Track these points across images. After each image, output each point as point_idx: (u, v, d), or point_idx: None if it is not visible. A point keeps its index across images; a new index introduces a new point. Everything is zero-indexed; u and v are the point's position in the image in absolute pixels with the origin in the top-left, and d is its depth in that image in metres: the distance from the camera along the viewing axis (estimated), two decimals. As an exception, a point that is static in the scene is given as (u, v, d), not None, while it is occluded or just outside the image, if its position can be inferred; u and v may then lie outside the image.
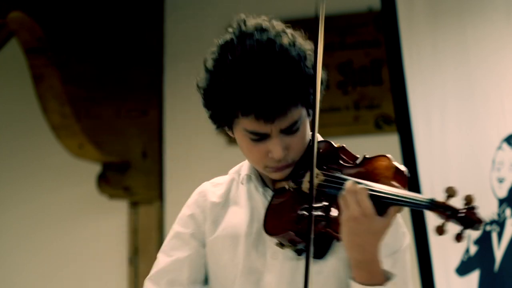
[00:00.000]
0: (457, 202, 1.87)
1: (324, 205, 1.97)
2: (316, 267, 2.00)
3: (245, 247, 2.08)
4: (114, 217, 5.11)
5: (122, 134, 4.93)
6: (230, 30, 2.05)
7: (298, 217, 1.99)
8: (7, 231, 5.27)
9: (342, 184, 1.93)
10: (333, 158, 2.04)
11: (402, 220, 2.11)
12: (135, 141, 4.99)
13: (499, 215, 3.58)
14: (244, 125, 2.01)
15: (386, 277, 1.95)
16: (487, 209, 3.58)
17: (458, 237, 1.85)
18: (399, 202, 1.89)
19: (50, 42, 4.51)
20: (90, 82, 4.77)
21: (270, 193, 2.10)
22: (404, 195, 1.89)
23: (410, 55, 3.90)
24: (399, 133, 3.93)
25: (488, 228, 3.60)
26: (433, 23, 3.84)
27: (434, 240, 3.75)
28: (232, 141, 4.66)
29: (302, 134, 2.04)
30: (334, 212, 1.95)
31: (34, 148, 5.21)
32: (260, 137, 2.02)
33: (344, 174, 1.99)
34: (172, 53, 5.10)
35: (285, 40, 2.00)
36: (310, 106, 2.00)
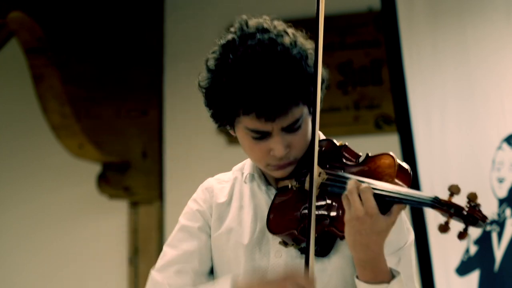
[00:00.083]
0: (460, 200, 1.87)
1: (327, 203, 1.97)
2: (320, 265, 2.01)
3: (249, 246, 2.08)
4: (114, 217, 5.11)
5: (122, 134, 4.93)
6: (232, 30, 2.06)
7: (301, 216, 1.99)
8: (7, 231, 5.27)
9: (345, 182, 1.93)
10: (336, 156, 2.04)
11: (406, 218, 2.12)
12: (135, 141, 4.99)
13: (499, 215, 3.58)
14: (246, 123, 2.02)
15: (392, 275, 1.96)
16: (487, 209, 3.56)
17: (462, 235, 1.85)
18: (402, 201, 1.89)
19: (50, 42, 4.51)
20: (90, 82, 4.77)
21: (273, 191, 2.11)
22: (407, 193, 1.89)
23: (410, 55, 3.90)
24: (399, 133, 3.93)
25: (488, 228, 3.60)
26: (433, 23, 3.84)
27: (434, 240, 3.75)
28: (232, 141, 4.67)
29: (303, 132, 2.04)
30: (337, 211, 1.95)
31: (34, 148, 5.21)
32: (261, 135, 2.02)
33: (347, 173, 1.99)
34: (172, 53, 5.10)
35: (287, 40, 2.01)
36: (312, 104, 2.01)
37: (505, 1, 3.65)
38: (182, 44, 5.02)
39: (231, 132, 2.11)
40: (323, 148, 2.05)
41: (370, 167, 1.98)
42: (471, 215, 1.85)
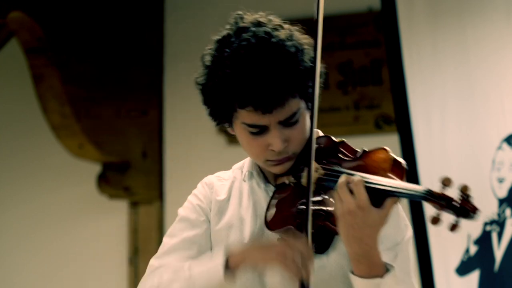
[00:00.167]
0: (453, 193, 1.88)
1: (324, 198, 1.98)
2: (319, 262, 2.01)
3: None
4: (114, 217, 5.11)
5: (122, 134, 4.93)
6: (228, 26, 2.06)
7: (297, 212, 2.00)
8: (7, 231, 5.27)
9: (340, 177, 1.94)
10: (333, 152, 2.05)
11: (404, 214, 2.12)
12: (135, 141, 4.99)
13: (499, 215, 3.58)
14: (243, 118, 2.02)
15: (386, 269, 1.96)
16: (487, 209, 3.58)
17: (453, 227, 1.87)
18: (395, 193, 1.91)
19: (50, 42, 4.51)
20: (90, 82, 4.77)
21: (272, 189, 2.11)
22: (400, 186, 1.91)
23: (410, 55, 3.90)
24: (399, 133, 3.93)
25: (488, 228, 3.60)
26: (433, 23, 3.84)
27: (434, 240, 3.75)
28: (232, 141, 4.67)
29: (301, 126, 2.05)
30: (332, 206, 1.96)
31: (34, 148, 5.21)
32: (259, 130, 2.03)
33: (344, 168, 1.99)
34: (172, 53, 5.10)
35: (282, 33, 2.02)
36: (309, 99, 2.01)
37: (505, 1, 3.65)
38: (182, 44, 5.02)
39: (230, 130, 2.11)
40: (321, 145, 2.06)
41: (366, 162, 2.00)
42: (462, 207, 1.86)
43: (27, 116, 5.12)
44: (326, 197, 1.98)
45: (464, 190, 1.87)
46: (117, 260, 5.07)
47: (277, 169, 2.08)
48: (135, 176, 5.00)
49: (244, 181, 2.16)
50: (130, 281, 5.04)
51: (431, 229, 3.74)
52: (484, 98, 3.66)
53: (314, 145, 1.98)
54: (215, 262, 1.99)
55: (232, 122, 2.07)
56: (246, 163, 2.20)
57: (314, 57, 1.98)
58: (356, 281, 1.96)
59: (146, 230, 5.06)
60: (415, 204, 3.70)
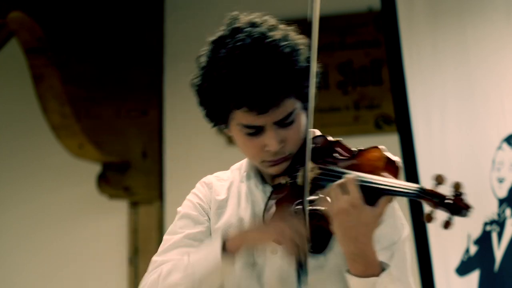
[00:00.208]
0: (446, 190, 1.89)
1: (320, 198, 1.98)
2: (316, 261, 2.02)
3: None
4: (114, 217, 5.11)
5: (122, 134, 4.93)
6: (223, 27, 2.07)
7: (294, 212, 2.00)
8: (7, 231, 5.27)
9: (336, 176, 1.95)
10: (329, 152, 2.05)
11: (401, 213, 2.12)
12: (135, 141, 4.99)
13: (499, 215, 3.58)
14: (239, 119, 2.03)
15: (382, 268, 1.96)
16: (487, 209, 3.58)
17: (447, 224, 1.87)
18: (388, 191, 1.91)
19: (50, 42, 4.51)
20: (90, 82, 4.77)
21: (269, 189, 2.11)
22: (393, 184, 1.91)
23: (410, 55, 3.90)
24: (399, 133, 3.93)
25: (488, 228, 3.60)
26: (433, 23, 3.84)
27: (434, 240, 3.75)
28: (232, 141, 4.66)
29: (297, 126, 2.05)
30: (328, 205, 1.96)
31: (34, 148, 5.21)
32: (255, 131, 2.03)
33: (339, 167, 2.00)
34: (172, 53, 5.10)
35: (277, 34, 2.02)
36: (305, 99, 2.01)
37: (505, 1, 3.65)
38: (182, 44, 5.02)
39: (226, 131, 2.11)
40: (318, 145, 2.07)
41: (360, 161, 2.01)
42: (455, 204, 1.87)
43: (27, 116, 5.12)
44: (322, 196, 1.98)
45: (457, 187, 1.88)
46: (117, 260, 5.07)
47: (273, 170, 2.08)
48: (135, 176, 5.00)
49: (242, 182, 2.17)
50: (130, 281, 5.04)
51: (431, 229, 3.74)
52: (484, 98, 3.66)
53: (310, 145, 1.98)
54: (212, 247, 2.00)
55: (228, 123, 2.08)
56: (244, 164, 2.20)
57: (310, 57, 1.98)
58: (352, 280, 1.96)
59: (146, 230, 5.05)
60: (415, 204, 3.70)
